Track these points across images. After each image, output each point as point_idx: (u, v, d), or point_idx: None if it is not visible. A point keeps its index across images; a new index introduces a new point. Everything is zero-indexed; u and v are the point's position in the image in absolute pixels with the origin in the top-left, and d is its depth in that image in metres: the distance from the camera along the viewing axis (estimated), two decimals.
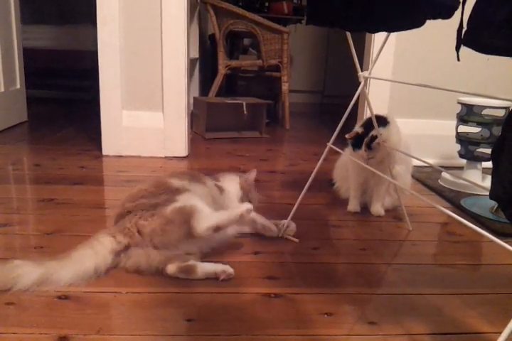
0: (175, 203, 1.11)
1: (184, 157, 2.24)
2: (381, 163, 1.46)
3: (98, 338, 0.84)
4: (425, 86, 1.02)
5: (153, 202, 1.12)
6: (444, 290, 1.07)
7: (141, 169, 2.00)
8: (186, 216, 1.08)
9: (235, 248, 1.24)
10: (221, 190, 1.36)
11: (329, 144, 1.31)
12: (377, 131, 1.41)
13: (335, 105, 4.38)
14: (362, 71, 1.28)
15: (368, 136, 1.43)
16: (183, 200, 1.12)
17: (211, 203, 1.23)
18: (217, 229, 1.09)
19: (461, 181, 1.95)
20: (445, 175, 2.00)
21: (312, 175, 1.32)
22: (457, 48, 0.75)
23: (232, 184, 1.41)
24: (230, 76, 3.93)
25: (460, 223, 0.81)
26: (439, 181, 1.99)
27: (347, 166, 1.62)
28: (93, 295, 0.98)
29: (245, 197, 1.40)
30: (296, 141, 2.94)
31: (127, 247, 1.05)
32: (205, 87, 3.81)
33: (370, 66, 1.29)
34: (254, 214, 1.29)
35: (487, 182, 1.97)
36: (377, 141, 1.41)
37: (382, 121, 1.44)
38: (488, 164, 2.02)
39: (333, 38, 4.81)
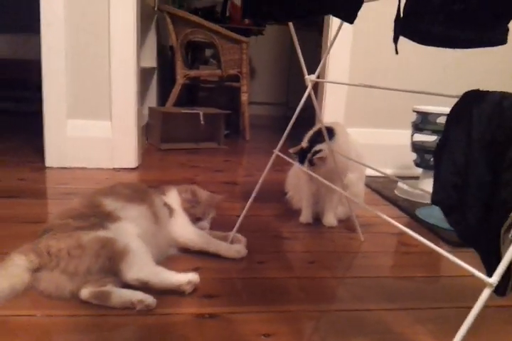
0: (102, 231, 0.99)
1: (134, 168, 2.13)
2: (332, 173, 1.40)
3: None
4: (377, 87, 0.96)
5: (79, 225, 1.00)
6: (394, 306, 1.01)
7: (86, 181, 1.88)
8: (114, 254, 0.94)
9: (173, 264, 1.14)
10: (171, 210, 1.22)
11: (276, 151, 1.24)
12: (324, 144, 1.36)
13: (299, 117, 4.35)
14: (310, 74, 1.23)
15: (311, 151, 1.38)
16: (114, 232, 0.99)
17: (150, 226, 1.11)
18: (147, 285, 0.95)
19: (417, 191, 1.91)
20: (401, 184, 1.96)
21: (258, 184, 1.24)
22: (395, 40, 0.70)
23: (176, 202, 1.28)
24: (190, 87, 3.85)
25: (415, 233, 0.74)
26: (394, 191, 1.95)
27: (299, 175, 1.56)
28: (4, 318, 0.87)
29: (192, 218, 1.26)
30: (256, 152, 2.87)
31: (39, 268, 0.94)
32: (164, 98, 3.71)
33: (318, 69, 1.23)
34: (205, 240, 1.19)
35: None
36: (318, 155, 1.37)
37: (329, 133, 1.38)
38: None
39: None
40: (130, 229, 1.04)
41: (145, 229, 1.09)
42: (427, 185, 1.90)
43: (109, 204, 1.09)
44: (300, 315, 0.94)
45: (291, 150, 1.41)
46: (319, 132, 1.41)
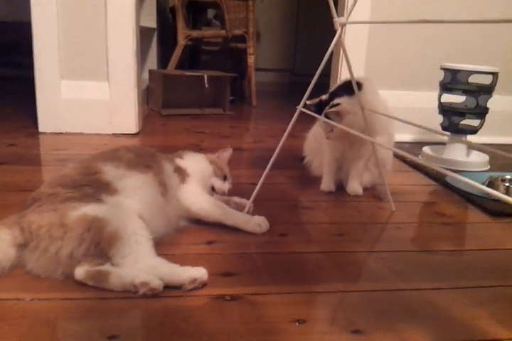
0: (94, 205, 0.83)
1: (135, 134, 1.97)
2: (361, 131, 1.24)
3: None
4: (410, 22, 0.79)
5: (69, 195, 0.85)
6: (442, 284, 0.87)
7: (83, 147, 1.72)
8: (102, 239, 0.79)
9: (184, 236, 1.00)
10: (183, 175, 1.06)
11: (299, 107, 1.08)
12: (344, 98, 1.20)
13: (305, 84, 4.14)
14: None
15: (329, 104, 1.22)
16: (109, 209, 0.83)
17: (156, 196, 0.96)
18: None
19: (444, 156, 1.76)
20: (426, 150, 1.81)
21: (278, 148, 1.09)
22: None
23: (197, 162, 1.14)
24: (192, 50, 3.63)
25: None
26: (419, 157, 1.80)
27: (320, 137, 1.39)
28: None
29: (219, 172, 1.15)
30: (263, 118, 2.70)
31: (24, 245, 0.80)
32: (165, 62, 3.50)
33: (349, 10, 1.05)
34: (221, 210, 1.04)
35: (472, 157, 1.78)
36: (334, 109, 1.20)
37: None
38: (474, 137, 1.84)
39: (302, 13, 4.55)
40: (129, 205, 0.88)
41: (149, 200, 0.94)
42: (455, 150, 1.75)
43: (108, 171, 0.94)
44: (335, 296, 0.81)
45: (308, 102, 1.24)
46: (343, 86, 1.25)
